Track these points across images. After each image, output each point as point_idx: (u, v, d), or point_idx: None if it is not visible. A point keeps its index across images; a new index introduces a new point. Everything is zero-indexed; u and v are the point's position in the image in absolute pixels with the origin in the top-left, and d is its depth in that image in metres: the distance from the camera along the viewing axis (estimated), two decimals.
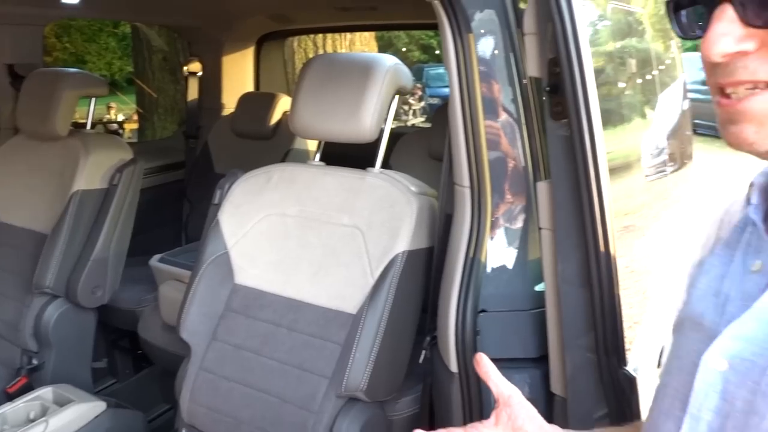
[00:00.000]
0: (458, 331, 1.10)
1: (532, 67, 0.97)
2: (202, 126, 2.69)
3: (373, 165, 1.37)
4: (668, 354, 0.61)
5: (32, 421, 1.48)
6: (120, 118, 9.56)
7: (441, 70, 11.38)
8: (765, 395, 0.47)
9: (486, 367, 0.69)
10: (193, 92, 2.72)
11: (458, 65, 1.10)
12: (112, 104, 9.92)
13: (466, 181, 1.15)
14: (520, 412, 0.66)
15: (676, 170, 1.89)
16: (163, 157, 2.62)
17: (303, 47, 4.00)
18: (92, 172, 1.92)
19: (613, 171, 1.60)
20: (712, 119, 0.51)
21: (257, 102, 2.51)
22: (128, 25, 7.33)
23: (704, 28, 0.47)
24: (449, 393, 1.15)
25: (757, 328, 0.49)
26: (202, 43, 2.64)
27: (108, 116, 9.40)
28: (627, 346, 1.00)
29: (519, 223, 1.16)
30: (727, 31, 0.46)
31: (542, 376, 1.11)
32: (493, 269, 1.16)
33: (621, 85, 1.59)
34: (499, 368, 1.09)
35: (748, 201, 0.55)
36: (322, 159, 1.47)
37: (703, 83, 0.54)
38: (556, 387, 1.06)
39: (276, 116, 2.44)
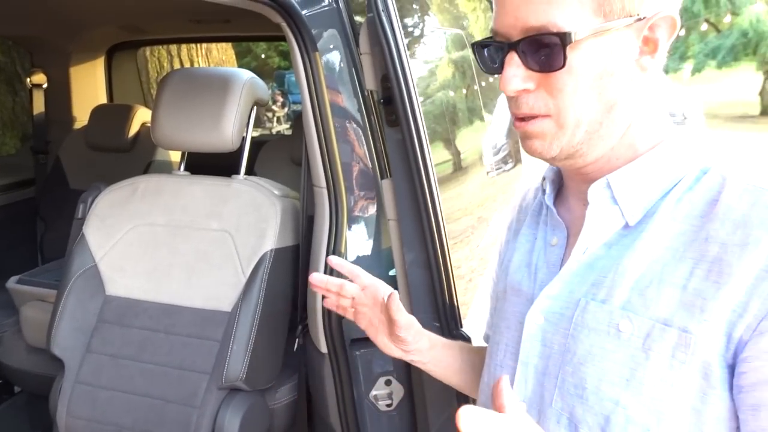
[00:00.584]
0: (325, 316, 1.24)
1: (369, 82, 1.14)
2: (52, 141, 2.57)
3: (237, 172, 1.47)
4: (495, 318, 0.77)
5: None
6: None
7: None
8: (574, 337, 0.62)
9: (343, 265, 0.83)
10: (39, 105, 2.59)
11: (308, 80, 1.23)
12: None
13: (323, 183, 1.29)
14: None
15: (514, 166, 2.18)
16: (8, 176, 2.47)
17: (156, 56, 3.90)
18: None
19: (466, 169, 1.83)
20: None
21: (112, 114, 2.46)
22: None
23: (500, 68, 0.60)
24: (321, 373, 1.29)
25: (562, 287, 0.65)
26: (45, 54, 2.52)
27: None
28: (465, 312, 1.20)
29: (372, 217, 1.33)
30: (516, 73, 0.59)
31: None
32: (353, 258, 1.31)
33: (464, 91, 1.83)
34: (364, 347, 1.24)
35: (543, 191, 0.72)
36: (186, 169, 1.54)
37: None
38: None
39: (134, 128, 2.41)
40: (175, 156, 2.35)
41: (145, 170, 2.31)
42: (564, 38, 0.56)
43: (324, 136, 1.25)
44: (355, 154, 1.29)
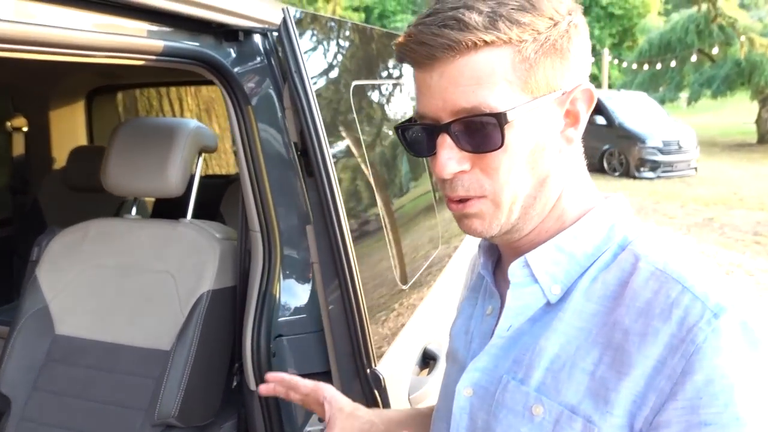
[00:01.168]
0: (254, 354, 1.29)
1: (292, 134, 1.22)
2: (31, 181, 2.67)
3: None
4: (442, 380, 0.76)
5: None
6: None
7: None
8: (495, 416, 0.61)
9: (277, 379, 0.84)
10: (18, 147, 2.69)
11: (241, 133, 1.31)
12: None
13: (257, 227, 1.36)
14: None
15: None
16: None
17: (146, 95, 4.03)
18: None
19: (427, 209, 1.89)
20: None
21: (90, 155, 2.55)
22: None
23: (431, 150, 0.59)
24: (252, 410, 1.34)
25: (488, 361, 0.64)
26: (25, 99, 2.64)
27: None
28: (385, 349, 1.26)
29: (305, 260, 1.40)
30: (451, 156, 0.58)
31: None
32: (286, 300, 1.38)
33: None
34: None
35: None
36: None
37: None
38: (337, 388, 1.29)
39: None
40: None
41: (118, 209, 2.40)
42: (500, 118, 0.56)
43: (257, 184, 1.33)
44: (288, 200, 1.36)
